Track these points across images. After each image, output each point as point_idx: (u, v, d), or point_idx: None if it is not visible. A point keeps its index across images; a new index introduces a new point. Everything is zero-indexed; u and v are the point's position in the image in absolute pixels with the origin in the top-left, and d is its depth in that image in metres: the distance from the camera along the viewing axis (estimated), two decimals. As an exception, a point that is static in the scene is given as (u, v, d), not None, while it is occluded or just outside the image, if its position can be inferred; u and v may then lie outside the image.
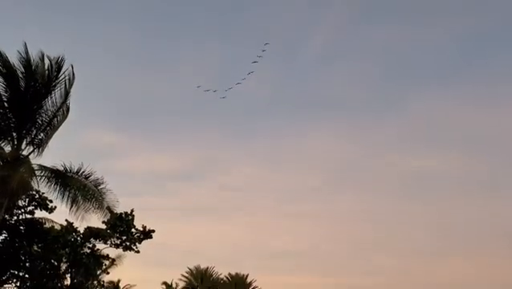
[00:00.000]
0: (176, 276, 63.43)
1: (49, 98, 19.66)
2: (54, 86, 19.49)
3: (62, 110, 20.12)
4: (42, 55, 18.96)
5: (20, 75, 18.92)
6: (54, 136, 20.49)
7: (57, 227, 26.89)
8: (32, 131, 19.84)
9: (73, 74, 19.67)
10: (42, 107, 19.72)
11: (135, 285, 59.86)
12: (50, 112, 19.95)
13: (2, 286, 26.95)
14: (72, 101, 20.42)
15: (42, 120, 19.92)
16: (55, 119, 20.00)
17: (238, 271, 71.06)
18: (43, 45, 19.45)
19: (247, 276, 71.09)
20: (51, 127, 20.08)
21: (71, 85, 19.74)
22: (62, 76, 19.46)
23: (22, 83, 19.08)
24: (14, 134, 19.54)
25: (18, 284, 26.97)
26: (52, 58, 18.97)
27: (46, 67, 19.05)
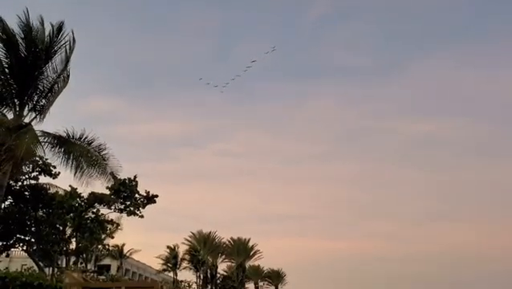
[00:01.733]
0: (180, 240, 64.63)
1: (49, 64, 19.55)
2: (55, 52, 19.35)
3: (63, 76, 20.05)
4: (42, 21, 18.77)
5: (20, 41, 18.76)
6: (55, 103, 20.50)
7: (61, 193, 27.25)
8: (34, 97, 19.80)
9: (73, 39, 19.49)
10: (42, 73, 19.62)
11: (140, 250, 61.04)
12: (51, 78, 19.87)
13: (9, 249, 27.53)
14: (73, 67, 20.34)
15: (43, 87, 19.85)
16: (56, 85, 19.95)
17: (240, 235, 72.30)
18: (42, 10, 19.19)
19: (249, 240, 72.23)
20: (52, 93, 20.04)
21: (71, 51, 19.59)
22: (63, 42, 19.30)
23: (23, 49, 18.92)
24: (16, 101, 19.52)
25: (24, 248, 27.54)
26: (54, 23, 18.77)
27: (46, 32, 18.89)
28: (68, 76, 20.24)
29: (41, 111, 20.00)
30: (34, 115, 19.83)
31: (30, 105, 19.82)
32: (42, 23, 18.73)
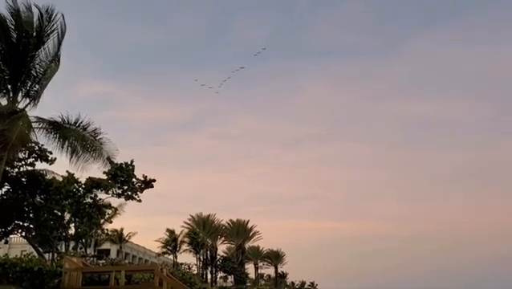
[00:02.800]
0: (179, 224, 64.93)
1: (42, 49, 19.40)
2: (47, 36, 19.16)
3: (55, 61, 19.90)
4: (30, 5, 18.51)
5: (11, 26, 18.53)
6: (50, 89, 20.38)
7: (58, 178, 27.19)
8: (27, 83, 19.66)
9: (64, 24, 19.26)
10: (35, 58, 19.46)
11: (136, 232, 61.27)
12: (43, 64, 19.74)
13: (8, 236, 27.59)
14: (68, 53, 20.17)
15: (36, 72, 19.71)
16: (49, 70, 19.79)
17: (239, 217, 72.78)
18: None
19: (248, 222, 72.80)
20: (46, 78, 19.89)
21: (63, 35, 19.41)
22: (54, 26, 19.09)
23: (14, 35, 18.72)
24: (9, 86, 19.37)
25: (23, 234, 27.60)
26: (41, 7, 18.51)
27: (36, 17, 18.65)
28: (59, 60, 20.08)
29: (35, 97, 19.87)
30: (28, 100, 19.73)
31: (24, 91, 19.70)
32: (29, 8, 18.49)
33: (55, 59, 19.80)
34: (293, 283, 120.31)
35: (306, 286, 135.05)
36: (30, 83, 19.70)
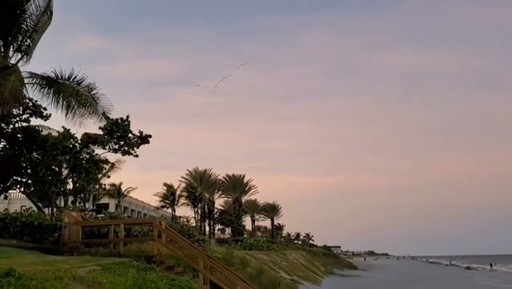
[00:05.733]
0: (176, 178, 65.63)
1: (32, 1, 18.89)
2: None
3: (47, 14, 19.44)
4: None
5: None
6: (43, 44, 20.00)
7: (54, 134, 27.13)
8: (18, 37, 19.28)
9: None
10: (25, 11, 19.00)
11: (136, 187, 61.94)
12: (34, 17, 19.29)
13: (6, 191, 27.81)
14: (57, 7, 19.68)
15: (27, 26, 19.29)
16: (40, 23, 19.37)
17: (235, 172, 73.56)
18: None
19: (244, 176, 73.67)
20: (37, 32, 19.49)
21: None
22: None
23: (2, -13, 18.20)
24: (0, 41, 19.00)
25: (22, 189, 27.81)
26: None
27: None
28: (51, 13, 19.62)
29: (26, 52, 19.55)
30: (19, 56, 19.40)
31: (15, 45, 19.35)
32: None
33: (47, 12, 19.34)
34: (289, 235, 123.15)
35: (301, 237, 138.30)
36: (21, 38, 19.31)
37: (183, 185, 62.78)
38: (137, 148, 30.06)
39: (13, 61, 19.19)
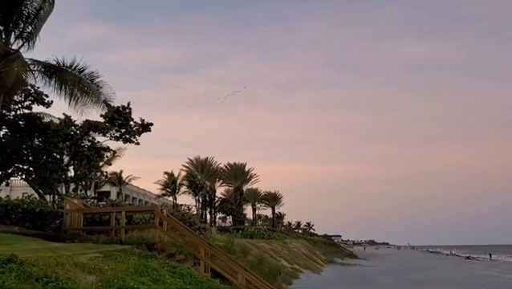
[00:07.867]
0: (178, 167, 65.58)
1: (33, -12, 18.79)
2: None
3: (48, 1, 19.31)
4: None
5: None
6: (44, 32, 19.90)
7: (56, 121, 27.12)
8: (19, 24, 19.21)
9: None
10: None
11: (139, 177, 62.09)
12: (36, 4, 19.19)
13: (8, 178, 27.87)
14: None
15: (28, 12, 19.22)
16: (42, 10, 19.27)
17: (237, 161, 73.52)
18: None
19: (245, 165, 73.60)
20: (39, 19, 19.39)
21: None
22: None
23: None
24: (1, 27, 18.92)
25: (23, 176, 27.87)
26: None
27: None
28: (53, 1, 19.48)
29: (28, 39, 19.47)
30: (21, 42, 19.33)
31: (17, 32, 19.29)
32: None
33: (49, -1, 19.22)
34: (289, 223, 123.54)
35: (302, 226, 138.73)
36: (22, 24, 19.24)
37: (184, 173, 62.81)
38: (139, 136, 30.08)
39: (14, 47, 19.13)
